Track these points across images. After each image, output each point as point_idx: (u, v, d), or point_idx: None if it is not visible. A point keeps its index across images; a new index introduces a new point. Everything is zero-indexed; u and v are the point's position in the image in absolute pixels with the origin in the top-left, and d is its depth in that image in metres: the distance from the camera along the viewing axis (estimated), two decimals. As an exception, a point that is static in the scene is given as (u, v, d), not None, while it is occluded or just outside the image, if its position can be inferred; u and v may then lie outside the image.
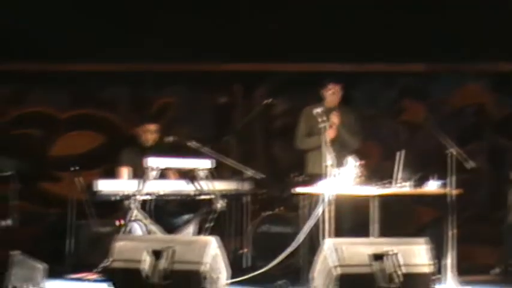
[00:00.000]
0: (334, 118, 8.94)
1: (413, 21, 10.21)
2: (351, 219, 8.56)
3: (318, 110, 8.39)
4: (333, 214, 7.82)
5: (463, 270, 8.40)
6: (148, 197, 8.50)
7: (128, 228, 8.29)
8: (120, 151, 9.47)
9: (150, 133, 9.41)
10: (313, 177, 8.55)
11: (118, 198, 8.43)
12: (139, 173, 8.50)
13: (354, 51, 10.45)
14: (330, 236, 7.70)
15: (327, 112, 8.78)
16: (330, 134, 8.57)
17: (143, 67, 10.94)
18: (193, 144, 9.05)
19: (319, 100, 9.12)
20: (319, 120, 8.32)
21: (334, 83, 9.17)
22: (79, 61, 10.87)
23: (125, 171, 9.18)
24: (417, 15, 10.16)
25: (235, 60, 10.76)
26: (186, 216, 8.95)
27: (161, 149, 9.11)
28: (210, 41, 10.48)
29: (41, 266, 7.77)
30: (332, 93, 9.14)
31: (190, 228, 8.78)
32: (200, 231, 8.74)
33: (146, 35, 10.49)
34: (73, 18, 10.36)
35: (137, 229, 8.38)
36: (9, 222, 9.91)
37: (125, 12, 10.42)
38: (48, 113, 11.33)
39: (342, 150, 8.65)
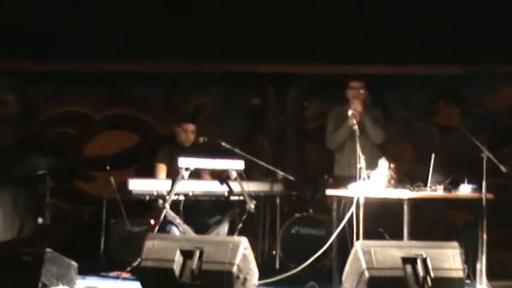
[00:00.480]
0: (357, 105, 8.84)
1: (446, 23, 10.15)
2: (384, 222, 8.47)
3: (351, 111, 8.34)
4: (363, 217, 7.75)
5: (495, 275, 8.33)
6: (180, 197, 8.49)
7: (166, 229, 8.29)
8: (159, 149, 9.44)
9: (188, 133, 9.38)
10: (342, 180, 8.49)
11: (150, 197, 8.44)
12: (175, 171, 8.46)
13: (387, 52, 10.41)
14: (360, 238, 7.63)
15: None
16: (352, 120, 8.52)
17: (177, 67, 10.94)
18: (225, 145, 9.02)
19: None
20: (351, 122, 8.28)
21: (354, 80, 9.07)
22: (115, 61, 10.90)
23: (162, 168, 9.16)
24: (449, 17, 10.09)
25: (268, 61, 10.72)
26: (217, 217, 8.92)
27: (198, 149, 9.11)
28: (243, 42, 10.48)
29: (73, 264, 7.80)
30: (353, 91, 9.02)
31: (222, 229, 8.75)
32: (231, 231, 8.72)
33: (181, 35, 10.51)
34: (109, 19, 10.39)
35: (175, 231, 8.35)
36: (43, 220, 9.95)
37: (160, 13, 10.44)
38: (83, 113, 11.37)
39: (370, 148, 8.59)
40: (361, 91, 9.01)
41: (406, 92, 10.85)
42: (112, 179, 9.42)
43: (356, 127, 8.20)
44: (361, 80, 9.07)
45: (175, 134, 9.45)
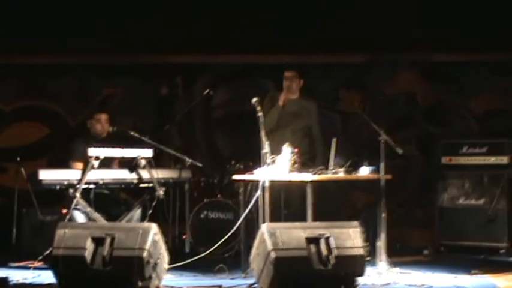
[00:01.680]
0: (283, 98, 8.92)
1: (350, 14, 10.25)
2: (288, 205, 8.53)
3: (253, 99, 8.36)
4: (269, 200, 7.80)
5: (394, 251, 8.48)
6: (91, 186, 8.42)
7: (68, 217, 8.18)
8: (72, 143, 9.30)
9: (102, 123, 9.28)
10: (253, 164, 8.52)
11: (61, 187, 8.36)
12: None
13: (293, 43, 10.45)
14: (266, 221, 7.68)
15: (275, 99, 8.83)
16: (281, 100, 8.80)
17: (88, 59, 10.82)
18: (133, 134, 8.99)
19: (258, 90, 9.08)
20: (257, 109, 8.30)
21: (287, 70, 9.08)
22: (25, 53, 10.73)
23: (79, 166, 8.97)
24: (352, 9, 10.20)
25: (176, 52, 10.68)
26: (128, 204, 8.88)
27: (112, 140, 9.05)
28: (153, 34, 10.42)
29: (-16, 255, 7.71)
30: (288, 80, 9.04)
31: (133, 215, 8.71)
32: (142, 218, 8.68)
33: (91, 27, 10.41)
34: (20, 11, 10.22)
35: (78, 217, 8.27)
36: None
37: (73, 4, 10.31)
38: (-8, 105, 11.18)
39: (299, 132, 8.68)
40: (295, 80, 9.03)
41: (310, 80, 10.89)
42: (23, 170, 9.30)
43: (261, 114, 8.22)
44: (293, 70, 9.09)
45: (89, 126, 9.35)
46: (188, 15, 10.35)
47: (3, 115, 11.12)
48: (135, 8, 10.37)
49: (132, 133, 9.01)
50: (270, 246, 6.85)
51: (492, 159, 9.62)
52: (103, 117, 9.32)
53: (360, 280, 7.04)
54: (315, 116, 9.14)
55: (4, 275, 7.53)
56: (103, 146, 8.43)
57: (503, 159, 9.56)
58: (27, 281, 7.58)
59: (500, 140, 9.69)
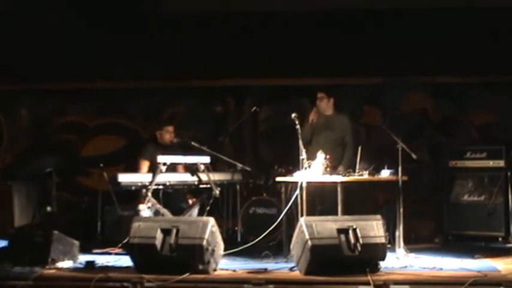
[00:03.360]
0: (312, 115, 8.88)
1: (370, 43, 10.20)
2: (322, 201, 8.47)
3: (293, 114, 8.32)
4: (306, 198, 7.76)
5: (409, 240, 8.40)
6: (160, 187, 8.44)
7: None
8: (143, 147, 9.39)
9: (169, 133, 9.31)
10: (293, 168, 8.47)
11: (136, 187, 8.38)
12: (156, 166, 8.40)
13: (323, 67, 10.40)
14: (304, 215, 7.64)
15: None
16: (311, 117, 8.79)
17: (156, 84, 10.86)
18: (194, 144, 8.99)
19: (296, 107, 9.04)
20: (295, 122, 8.26)
21: (321, 91, 9.01)
22: (105, 79, 10.82)
23: (145, 163, 9.09)
24: (373, 40, 10.14)
25: (228, 76, 10.69)
26: (189, 202, 8.89)
27: (175, 148, 9.07)
28: (209, 62, 10.44)
29: (75, 243, 7.75)
30: (320, 100, 8.98)
31: (193, 211, 8.72)
32: (201, 213, 8.68)
33: (158, 57, 10.46)
34: (100, 48, 10.32)
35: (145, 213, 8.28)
36: (50, 208, 9.86)
37: (142, 38, 10.37)
38: (80, 122, 11.24)
39: (331, 142, 8.67)
40: (324, 100, 8.97)
41: (339, 98, 10.82)
42: (105, 174, 9.35)
43: (298, 127, 8.19)
44: (323, 91, 9.02)
45: (158, 136, 9.38)
46: (238, 44, 10.32)
47: (88, 130, 11.20)
48: (192, 40, 10.36)
49: (192, 143, 9.01)
50: (307, 236, 6.84)
51: (491, 163, 9.48)
52: (170, 128, 9.36)
53: (381, 264, 7.00)
54: (347, 127, 9.03)
55: (91, 259, 7.58)
56: (169, 154, 8.47)
57: (500, 163, 9.42)
58: (110, 264, 7.59)
59: (497, 146, 9.56)
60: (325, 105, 8.98)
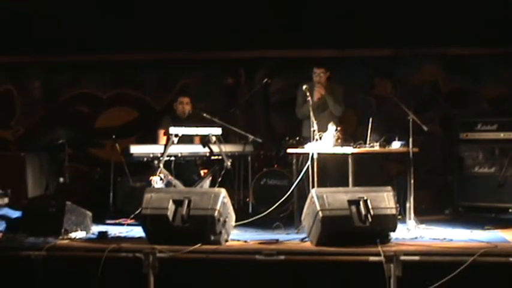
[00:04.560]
0: (319, 90, 8.83)
1: (382, 15, 10.11)
2: (333, 173, 8.45)
3: (304, 86, 8.31)
4: (317, 169, 7.74)
5: (420, 212, 8.36)
6: (171, 158, 8.43)
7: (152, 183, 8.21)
8: (161, 118, 9.38)
9: (184, 105, 9.29)
10: (305, 140, 8.46)
11: (148, 159, 8.38)
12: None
13: (335, 39, 10.34)
14: (315, 186, 7.62)
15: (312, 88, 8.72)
16: (316, 96, 8.69)
17: (167, 56, 10.85)
18: (206, 115, 8.97)
19: (308, 79, 9.00)
20: (307, 94, 8.25)
21: (317, 67, 8.98)
22: (117, 52, 10.80)
23: (162, 134, 9.06)
24: (385, 12, 10.06)
25: (239, 48, 10.65)
26: (201, 173, 8.88)
27: (192, 120, 9.07)
28: (219, 33, 10.38)
29: (88, 213, 7.78)
30: (317, 75, 8.97)
31: (205, 183, 8.71)
32: (213, 184, 8.66)
33: (168, 30, 10.41)
34: (113, 18, 10.27)
35: (158, 183, 8.26)
36: (63, 179, 9.89)
37: (153, 12, 10.32)
38: (93, 94, 11.25)
39: (329, 118, 8.55)
40: (322, 75, 8.94)
41: (350, 70, 10.79)
42: (117, 146, 9.36)
43: (310, 99, 8.17)
44: (322, 66, 8.98)
45: (175, 108, 9.36)
46: (250, 18, 10.25)
47: (101, 101, 11.19)
48: (202, 12, 10.30)
49: (204, 115, 8.99)
50: (318, 207, 6.83)
51: (501, 135, 9.46)
52: (185, 100, 9.32)
53: (392, 235, 6.98)
54: (338, 96, 9.00)
55: (104, 230, 7.60)
56: (183, 125, 8.44)
57: (511, 135, 9.39)
58: (122, 235, 7.64)
59: (508, 118, 9.53)
60: (324, 81, 8.93)
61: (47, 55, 10.93)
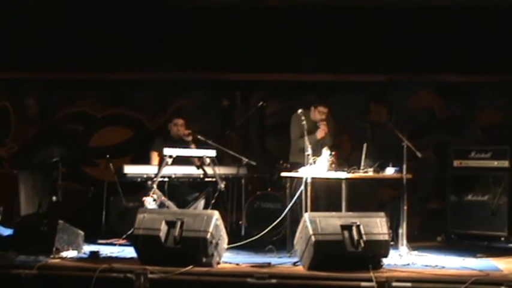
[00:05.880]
0: (324, 129, 8.82)
1: (377, 40, 10.18)
2: (326, 197, 8.47)
3: (299, 110, 8.36)
4: (310, 194, 7.77)
5: (413, 238, 8.38)
6: (165, 179, 8.44)
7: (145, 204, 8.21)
8: (154, 139, 9.39)
9: (178, 126, 9.31)
10: (296, 164, 8.50)
11: (142, 179, 8.39)
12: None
13: (330, 64, 10.39)
14: (308, 210, 7.64)
15: (310, 119, 8.75)
16: (320, 135, 8.72)
17: (164, 76, 10.87)
18: (200, 137, 8.99)
19: (302, 103, 9.03)
20: (302, 118, 8.27)
21: (323, 106, 8.90)
22: (114, 71, 10.82)
23: (155, 155, 9.09)
24: (379, 37, 10.13)
25: (235, 70, 10.69)
26: (195, 194, 8.88)
27: (185, 141, 9.11)
28: (217, 56, 10.42)
29: (80, 233, 7.77)
30: (322, 113, 8.88)
31: (199, 204, 8.72)
32: (206, 206, 8.67)
33: (165, 50, 10.45)
34: (110, 38, 10.29)
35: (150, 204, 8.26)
36: (56, 198, 9.88)
37: (151, 32, 10.37)
38: (88, 112, 11.25)
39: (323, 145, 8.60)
40: (325, 115, 8.91)
41: (346, 95, 10.83)
42: (111, 165, 9.37)
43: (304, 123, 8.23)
44: (327, 104, 8.96)
45: (169, 128, 9.39)
46: (247, 41, 10.31)
47: (96, 120, 11.21)
48: (201, 34, 10.35)
49: (199, 137, 9.01)
50: (311, 231, 6.85)
51: (495, 163, 9.50)
52: (180, 121, 9.36)
53: (384, 261, 7.00)
54: (332, 129, 9.04)
55: (96, 249, 7.59)
56: (177, 146, 8.46)
57: (505, 163, 9.45)
58: (114, 255, 7.63)
59: (502, 147, 9.56)
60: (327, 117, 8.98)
61: (43, 72, 10.95)
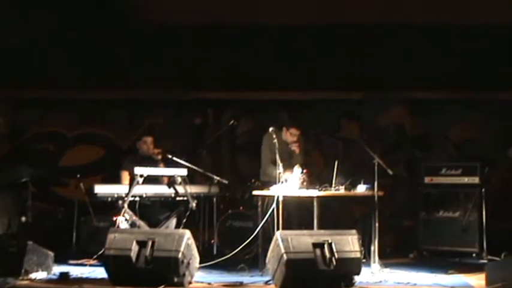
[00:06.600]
0: (295, 149, 8.90)
1: (349, 57, 10.24)
2: (298, 215, 8.49)
3: (270, 128, 8.37)
4: (282, 212, 7.79)
5: (385, 255, 8.41)
6: (136, 198, 8.41)
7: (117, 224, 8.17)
8: (123, 159, 9.36)
9: (148, 144, 9.28)
10: (267, 183, 8.51)
11: (112, 199, 8.35)
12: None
13: (302, 81, 10.44)
14: (280, 228, 7.65)
15: (282, 139, 8.78)
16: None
17: (135, 95, 10.86)
18: (169, 156, 8.96)
19: (274, 121, 9.05)
20: (273, 137, 8.29)
21: (296, 129, 8.96)
22: (84, 90, 10.78)
23: (126, 175, 9.04)
24: (350, 55, 10.19)
25: (207, 89, 10.70)
26: (166, 214, 8.85)
27: (156, 159, 9.10)
28: (188, 75, 10.43)
29: (50, 253, 7.70)
30: (294, 136, 8.94)
31: (170, 223, 8.68)
32: (178, 225, 8.65)
33: (137, 69, 10.43)
34: (81, 57, 10.27)
35: (122, 224, 8.22)
36: (26, 218, 9.79)
37: (122, 50, 10.35)
38: (59, 132, 11.20)
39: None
40: (297, 137, 8.96)
41: (317, 112, 10.89)
42: (81, 185, 9.32)
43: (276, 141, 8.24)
44: (299, 128, 9.00)
45: (138, 147, 9.37)
46: (218, 60, 10.33)
47: (66, 140, 11.15)
48: (173, 53, 10.35)
49: (170, 156, 8.99)
50: (282, 249, 6.85)
51: (466, 179, 9.56)
52: (149, 140, 9.33)
53: (356, 278, 7.02)
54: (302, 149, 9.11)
55: (66, 270, 7.53)
56: (148, 164, 8.44)
57: (475, 179, 9.51)
58: (84, 276, 7.58)
59: (472, 163, 9.63)
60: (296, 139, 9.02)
61: (14, 91, 10.88)
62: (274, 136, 8.32)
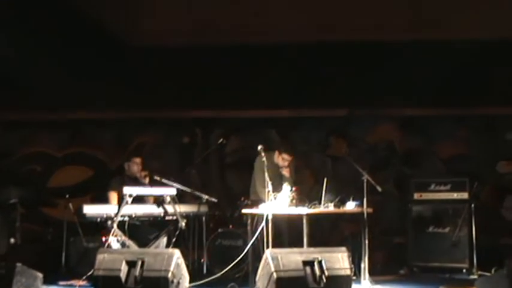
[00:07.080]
0: (286, 173, 8.93)
1: (337, 75, 10.28)
2: (288, 233, 8.51)
3: (259, 146, 8.39)
4: (272, 230, 7.79)
5: (375, 272, 8.42)
6: (125, 218, 8.40)
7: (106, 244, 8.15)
8: (111, 180, 9.34)
9: (136, 165, 9.28)
10: (257, 201, 8.52)
11: (101, 219, 8.34)
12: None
13: (290, 99, 10.47)
14: (270, 247, 7.65)
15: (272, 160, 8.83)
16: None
17: (124, 115, 10.87)
18: (156, 177, 8.95)
19: (263, 139, 9.08)
20: (262, 154, 8.30)
21: (288, 155, 8.97)
22: (73, 111, 10.80)
23: (114, 195, 9.04)
24: (338, 72, 10.23)
25: (196, 108, 10.73)
26: (156, 233, 8.83)
27: (144, 180, 9.09)
28: (176, 93, 10.45)
29: (39, 275, 7.66)
30: (286, 161, 8.94)
31: (160, 243, 8.67)
32: (167, 245, 8.63)
33: (127, 90, 10.44)
34: (69, 78, 10.26)
35: (114, 244, 8.21)
36: (14, 240, 9.75)
37: (111, 71, 10.36)
38: (47, 152, 11.19)
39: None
40: (288, 163, 8.96)
41: (306, 129, 10.92)
42: (70, 205, 9.33)
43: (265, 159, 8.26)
44: (291, 154, 9.01)
45: (126, 168, 9.36)
46: (207, 76, 10.36)
47: (55, 160, 11.14)
48: (160, 72, 10.38)
49: (158, 178, 8.95)
50: (272, 268, 6.85)
51: (455, 195, 9.60)
52: (137, 160, 9.33)
53: (347, 296, 7.02)
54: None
55: (55, 292, 7.52)
56: (136, 185, 8.44)
57: (464, 195, 9.55)
58: (74, 297, 7.57)
59: (461, 179, 9.67)
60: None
61: (1, 112, 10.87)
62: (263, 154, 8.34)
